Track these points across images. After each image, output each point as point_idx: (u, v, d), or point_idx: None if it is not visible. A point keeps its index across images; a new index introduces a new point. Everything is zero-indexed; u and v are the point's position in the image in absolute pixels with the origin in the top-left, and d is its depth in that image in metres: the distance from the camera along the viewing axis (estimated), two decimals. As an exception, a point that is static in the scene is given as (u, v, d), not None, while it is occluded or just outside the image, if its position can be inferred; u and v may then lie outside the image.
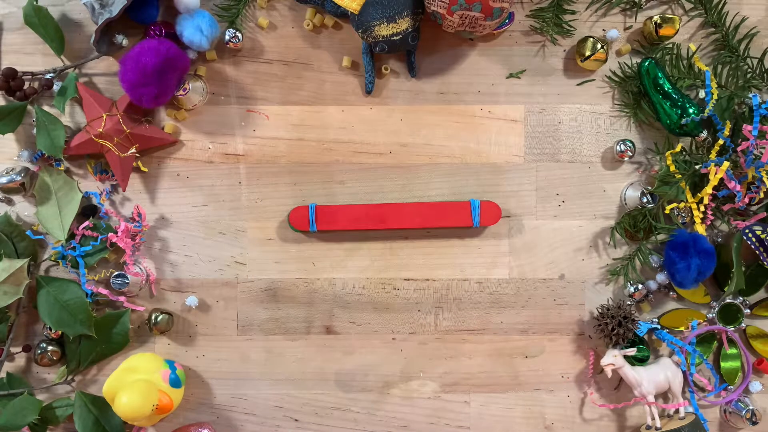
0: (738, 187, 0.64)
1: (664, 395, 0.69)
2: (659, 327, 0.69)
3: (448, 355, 0.69)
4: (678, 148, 0.67)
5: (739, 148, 0.64)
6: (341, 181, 0.69)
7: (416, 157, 0.69)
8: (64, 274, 0.68)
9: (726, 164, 0.64)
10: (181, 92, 0.66)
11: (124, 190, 0.68)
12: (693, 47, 0.68)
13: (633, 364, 0.67)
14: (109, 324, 0.67)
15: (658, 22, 0.66)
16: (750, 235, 0.65)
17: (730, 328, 0.68)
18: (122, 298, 0.67)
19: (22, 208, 0.69)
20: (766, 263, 0.66)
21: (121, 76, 0.63)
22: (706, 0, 0.68)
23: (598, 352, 0.69)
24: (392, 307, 0.69)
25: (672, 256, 0.65)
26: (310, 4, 0.67)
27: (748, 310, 0.69)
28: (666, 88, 0.66)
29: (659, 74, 0.66)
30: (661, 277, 0.68)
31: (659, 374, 0.66)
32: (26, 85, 0.66)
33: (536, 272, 0.69)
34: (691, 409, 0.68)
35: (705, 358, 0.68)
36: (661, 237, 0.68)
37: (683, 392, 0.68)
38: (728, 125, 0.66)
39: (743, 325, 0.69)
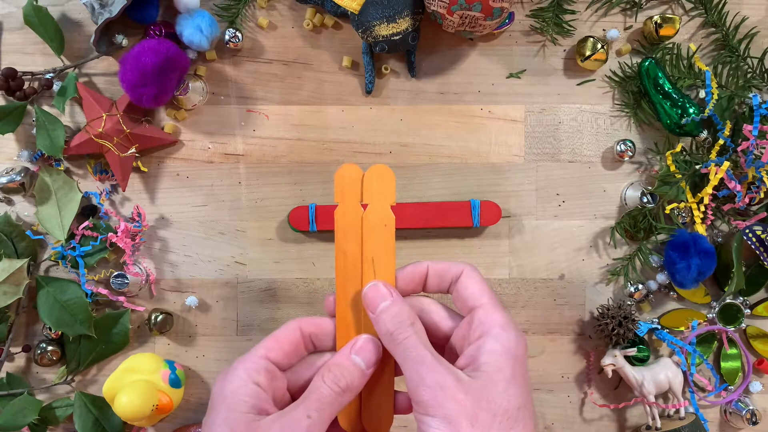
0: (738, 187, 0.64)
1: (664, 395, 0.69)
2: (659, 327, 0.69)
3: (448, 355, 0.69)
4: (678, 148, 0.67)
5: (739, 148, 0.64)
6: (341, 181, 0.69)
7: (416, 157, 0.69)
8: (64, 274, 0.68)
9: (726, 164, 0.64)
10: (181, 92, 0.66)
11: (124, 190, 0.68)
12: (693, 47, 0.68)
13: (633, 364, 0.67)
14: (109, 324, 0.67)
15: (658, 22, 0.66)
16: (750, 235, 0.65)
17: (730, 328, 0.68)
18: (122, 298, 0.67)
19: (22, 208, 0.69)
20: (766, 263, 0.66)
21: (121, 76, 0.63)
22: (706, 0, 0.68)
23: (598, 352, 0.69)
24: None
25: (672, 256, 0.65)
26: (310, 4, 0.67)
27: (749, 310, 0.69)
28: (666, 88, 0.66)
29: (659, 74, 0.66)
30: (661, 277, 0.68)
31: (659, 374, 0.66)
32: (26, 85, 0.66)
33: (536, 272, 0.69)
34: (691, 409, 0.68)
35: (705, 358, 0.68)
36: (661, 237, 0.68)
37: (683, 392, 0.68)
38: (728, 125, 0.66)
39: (743, 325, 0.69)
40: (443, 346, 0.44)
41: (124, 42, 0.66)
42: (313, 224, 0.67)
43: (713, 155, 0.66)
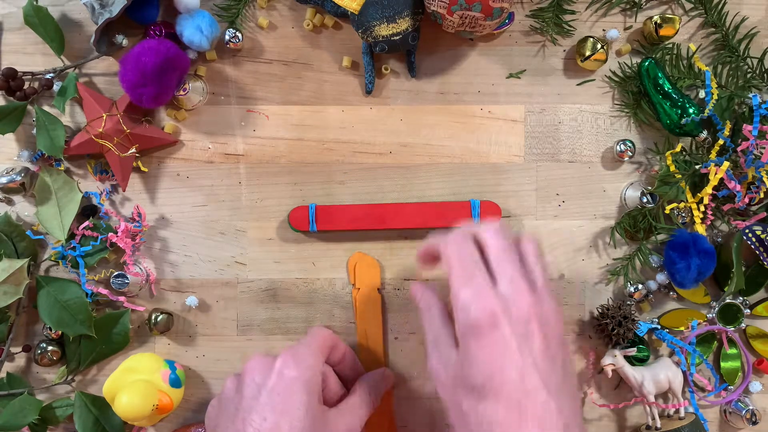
0: (738, 187, 0.64)
1: (664, 395, 0.69)
2: (659, 327, 0.69)
3: (448, 355, 0.69)
4: (678, 148, 0.67)
5: (739, 148, 0.64)
6: (341, 181, 0.69)
7: (416, 157, 0.69)
8: (64, 274, 0.68)
9: (726, 164, 0.64)
10: (181, 92, 0.66)
11: (124, 190, 0.68)
12: (693, 47, 0.68)
13: (633, 364, 0.67)
14: (109, 324, 0.67)
15: (658, 22, 0.66)
16: (750, 235, 0.65)
17: (730, 328, 0.68)
18: (122, 298, 0.67)
19: (22, 208, 0.69)
20: (766, 263, 0.66)
21: (121, 76, 0.63)
22: (706, 0, 0.68)
23: (598, 352, 0.69)
24: (392, 307, 0.69)
25: (672, 256, 0.65)
26: (310, 4, 0.67)
27: (748, 310, 0.69)
28: (666, 88, 0.66)
29: (659, 74, 0.66)
30: (661, 277, 0.68)
31: (659, 374, 0.66)
32: (26, 85, 0.66)
33: (536, 272, 0.69)
34: (691, 409, 0.68)
35: (705, 358, 0.68)
36: (661, 237, 0.68)
37: (683, 392, 0.68)
38: (728, 125, 0.66)
39: (743, 325, 0.69)
40: None
41: (124, 42, 0.66)
42: (313, 224, 0.67)
43: (713, 155, 0.66)
